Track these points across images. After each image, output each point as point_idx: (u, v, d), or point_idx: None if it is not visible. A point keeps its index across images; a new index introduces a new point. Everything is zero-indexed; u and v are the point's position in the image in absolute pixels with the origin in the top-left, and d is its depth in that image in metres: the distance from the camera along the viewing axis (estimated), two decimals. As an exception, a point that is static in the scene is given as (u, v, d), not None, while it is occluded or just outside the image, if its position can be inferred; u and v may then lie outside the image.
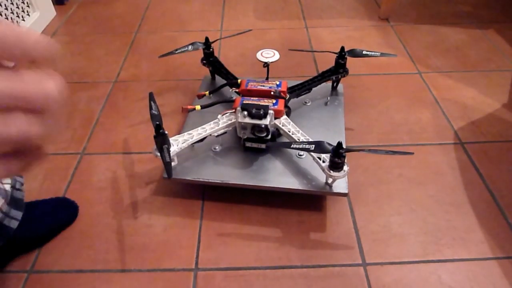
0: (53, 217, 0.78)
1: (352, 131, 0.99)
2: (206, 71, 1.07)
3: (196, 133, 0.80)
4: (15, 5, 1.33)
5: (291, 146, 0.72)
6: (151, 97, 0.79)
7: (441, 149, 0.94)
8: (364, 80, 1.17)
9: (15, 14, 1.33)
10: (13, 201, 0.65)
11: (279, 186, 0.77)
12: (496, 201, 0.82)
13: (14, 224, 0.65)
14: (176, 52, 0.99)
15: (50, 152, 0.97)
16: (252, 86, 0.84)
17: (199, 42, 1.00)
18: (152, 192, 0.86)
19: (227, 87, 0.95)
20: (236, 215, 0.81)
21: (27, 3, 1.40)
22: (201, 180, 0.78)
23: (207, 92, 0.94)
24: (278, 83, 0.85)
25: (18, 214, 0.66)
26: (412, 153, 0.74)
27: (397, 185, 0.86)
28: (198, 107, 0.87)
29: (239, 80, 0.89)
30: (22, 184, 0.68)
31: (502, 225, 0.78)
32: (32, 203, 0.79)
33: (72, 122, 1.05)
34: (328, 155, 0.71)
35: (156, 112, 0.76)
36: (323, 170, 0.73)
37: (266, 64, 0.90)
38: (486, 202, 0.82)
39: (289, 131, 0.80)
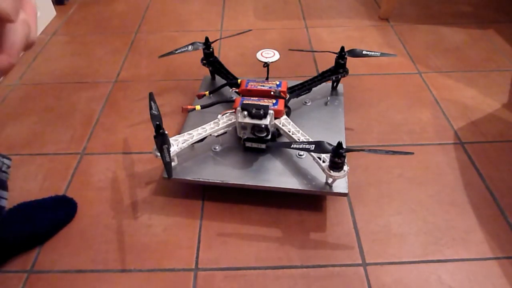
0: (52, 214, 0.78)
1: (352, 131, 0.99)
2: (206, 71, 1.07)
3: (196, 133, 0.80)
4: (15, 5, 1.33)
5: (291, 146, 0.73)
6: (151, 97, 0.79)
7: (441, 149, 0.94)
8: (364, 80, 1.17)
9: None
10: None
11: (279, 186, 0.77)
12: (496, 201, 0.82)
13: (3, 202, 0.66)
14: (176, 52, 0.99)
15: (50, 152, 0.97)
16: (252, 86, 0.84)
17: (199, 42, 1.00)
18: (152, 192, 0.86)
19: (227, 87, 0.95)
20: (236, 215, 0.81)
21: (27, 3, 1.40)
22: (201, 180, 0.79)
23: (207, 92, 0.94)
24: (278, 83, 0.85)
25: (4, 194, 0.67)
26: (412, 153, 0.74)
27: (397, 185, 0.86)
28: (198, 107, 0.87)
29: (239, 80, 0.89)
30: (8, 167, 0.68)
31: (502, 225, 0.78)
32: (32, 202, 0.79)
33: (72, 122, 1.05)
34: (328, 155, 0.71)
35: (156, 112, 0.76)
36: (323, 170, 0.73)
37: (266, 64, 0.90)
38: (486, 202, 0.82)
39: (289, 131, 0.80)
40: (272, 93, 0.82)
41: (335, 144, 0.68)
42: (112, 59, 1.30)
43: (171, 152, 0.73)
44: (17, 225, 0.74)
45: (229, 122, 0.82)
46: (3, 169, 0.67)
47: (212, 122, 0.83)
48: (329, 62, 1.00)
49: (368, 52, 0.95)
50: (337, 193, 0.75)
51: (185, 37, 1.40)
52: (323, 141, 0.70)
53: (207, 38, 0.99)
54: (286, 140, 0.82)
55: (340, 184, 0.76)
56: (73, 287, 0.70)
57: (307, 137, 0.78)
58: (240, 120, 0.77)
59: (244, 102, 0.79)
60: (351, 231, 0.78)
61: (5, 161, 0.68)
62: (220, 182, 0.78)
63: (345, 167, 0.71)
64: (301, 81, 0.95)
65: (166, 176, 0.76)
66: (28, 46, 0.29)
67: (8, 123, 1.06)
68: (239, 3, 1.62)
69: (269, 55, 0.91)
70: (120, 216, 0.81)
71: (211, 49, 1.00)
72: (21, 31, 0.27)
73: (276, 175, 0.79)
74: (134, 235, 0.78)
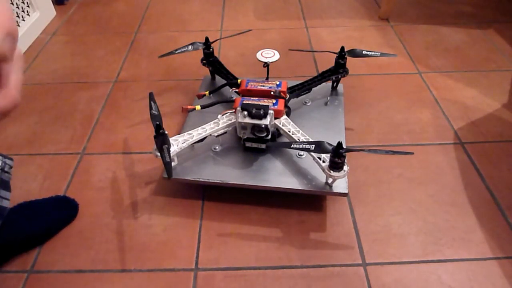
0: (53, 214, 0.78)
1: (352, 131, 0.99)
2: (206, 71, 1.07)
3: (196, 133, 0.80)
4: (15, 5, 1.33)
5: (291, 146, 0.73)
6: (151, 97, 0.79)
7: (441, 149, 0.94)
8: (364, 80, 1.17)
9: (15, 14, 1.33)
10: (2, 183, 0.65)
11: (279, 186, 0.77)
12: (496, 201, 0.82)
13: (6, 203, 0.66)
14: (176, 52, 0.99)
15: (50, 152, 0.97)
16: (252, 86, 0.84)
17: (199, 42, 1.00)
18: (152, 192, 0.86)
19: (227, 87, 0.95)
20: (236, 215, 0.81)
21: (27, 3, 1.40)
22: (201, 180, 0.79)
23: (207, 92, 0.94)
24: (278, 83, 0.85)
25: (7, 194, 0.67)
26: (412, 153, 0.74)
27: (397, 185, 0.86)
28: (198, 107, 0.87)
29: (239, 80, 0.89)
30: (11, 167, 0.68)
31: (502, 225, 0.78)
32: (32, 202, 0.79)
33: (72, 122, 1.05)
34: (328, 155, 0.71)
35: (156, 112, 0.76)
36: (323, 170, 0.73)
37: (266, 64, 0.90)
38: (486, 202, 0.82)
39: (289, 131, 0.80)
40: (272, 93, 0.82)
41: (335, 144, 0.68)
42: (112, 59, 1.30)
43: (171, 152, 0.73)
44: (17, 225, 0.74)
45: (229, 122, 0.82)
46: (6, 169, 0.67)
47: (212, 122, 0.83)
48: (329, 62, 1.00)
49: (368, 52, 0.95)
50: (337, 193, 0.75)
51: (185, 37, 1.40)
52: (323, 141, 0.70)
53: (207, 38, 0.99)
54: (286, 140, 0.82)
55: (340, 184, 0.76)
56: (73, 287, 0.71)
57: (307, 137, 0.78)
58: (240, 120, 0.77)
59: (244, 102, 0.79)
60: (351, 231, 0.78)
61: (7, 161, 0.68)
62: (220, 182, 0.78)
63: (345, 167, 0.71)
64: (301, 81, 0.95)
65: (166, 176, 0.77)
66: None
67: (8, 123, 1.06)
68: (239, 3, 1.62)
69: (269, 55, 0.91)
70: (120, 216, 0.81)
71: (211, 49, 1.00)
72: (20, 69, 0.27)
73: (276, 175, 0.79)
74: (134, 235, 0.78)
